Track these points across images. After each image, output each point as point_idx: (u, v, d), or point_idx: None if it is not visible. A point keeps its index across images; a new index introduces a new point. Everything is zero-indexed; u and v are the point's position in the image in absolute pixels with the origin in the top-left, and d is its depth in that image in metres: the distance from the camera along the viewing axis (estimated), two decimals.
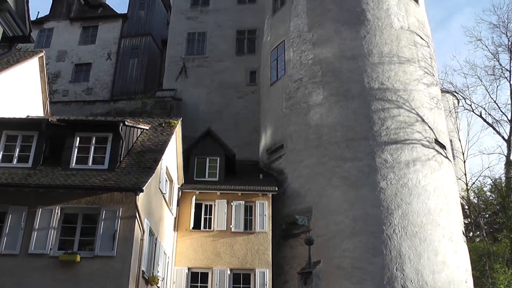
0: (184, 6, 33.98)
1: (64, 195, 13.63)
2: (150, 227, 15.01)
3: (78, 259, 12.82)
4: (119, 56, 35.24)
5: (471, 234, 26.93)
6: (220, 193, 19.90)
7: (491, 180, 27.35)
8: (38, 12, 39.36)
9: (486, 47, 24.98)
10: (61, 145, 15.41)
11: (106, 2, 42.92)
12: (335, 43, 23.18)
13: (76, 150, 15.31)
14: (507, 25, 24.47)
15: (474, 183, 27.83)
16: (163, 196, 17.02)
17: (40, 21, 37.25)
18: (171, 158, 18.54)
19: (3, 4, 7.96)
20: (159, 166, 15.59)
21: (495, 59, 24.67)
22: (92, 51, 35.60)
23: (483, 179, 28.37)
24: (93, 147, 15.45)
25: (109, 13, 38.55)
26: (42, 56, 19.52)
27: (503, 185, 25.13)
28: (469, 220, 26.93)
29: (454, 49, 73.79)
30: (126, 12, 37.66)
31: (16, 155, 15.12)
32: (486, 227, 27.51)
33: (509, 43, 24.08)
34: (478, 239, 26.95)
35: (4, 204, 13.47)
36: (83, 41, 36.31)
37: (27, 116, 18.00)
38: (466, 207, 26.69)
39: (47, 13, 38.65)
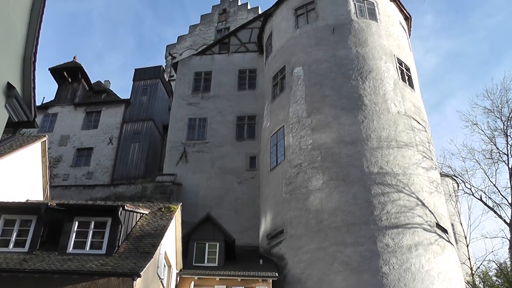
0: (186, 92, 34.74)
1: (59, 280, 13.33)
2: None
3: None
4: (121, 141, 35.60)
5: None
6: (219, 279, 19.45)
7: (496, 264, 26.88)
8: (44, 97, 40.33)
9: (483, 131, 25.13)
10: (59, 230, 15.31)
11: (110, 88, 44.01)
12: (334, 128, 23.54)
13: (74, 234, 15.20)
14: (501, 109, 24.83)
15: (478, 267, 27.30)
16: (161, 281, 16.65)
17: (45, 106, 38.01)
18: (170, 243, 18.31)
19: (11, 90, 8.18)
20: (157, 251, 15.39)
21: (492, 143, 24.83)
22: (94, 135, 36.03)
23: (488, 263, 27.81)
24: (91, 231, 15.34)
25: (112, 99, 39.31)
26: (45, 141, 19.75)
27: (508, 269, 24.65)
28: None
29: (451, 132, 75.03)
30: (129, 97, 38.48)
31: (13, 239, 14.97)
32: None
33: (505, 127, 24.36)
34: None
35: None
36: (86, 126, 36.84)
37: (27, 200, 17.97)
38: None
39: (53, 98, 39.51)
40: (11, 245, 14.90)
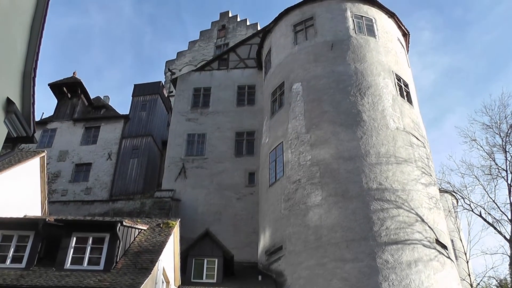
0: (185, 108, 34.76)
1: None
2: None
3: None
4: (120, 156, 35.60)
5: None
6: None
7: (496, 281, 26.71)
8: (43, 112, 40.41)
9: (481, 147, 25.07)
10: (57, 245, 15.23)
11: (109, 103, 44.09)
12: (333, 144, 23.53)
13: (72, 250, 15.12)
14: (499, 125, 24.84)
15: (479, 284, 27.14)
16: None
17: (44, 122, 38.06)
18: (169, 259, 18.21)
19: (10, 106, 8.18)
20: (155, 267, 15.30)
21: (491, 159, 24.81)
22: (93, 151, 36.03)
23: (488, 279, 27.61)
24: (89, 247, 15.27)
25: (112, 114, 39.38)
26: (44, 156, 19.71)
27: (509, 286, 24.50)
28: None
29: (449, 148, 75.16)
30: (128, 113, 38.54)
31: (10, 255, 14.88)
32: None
33: (503, 143, 24.36)
34: None
35: None
36: (85, 141, 36.88)
37: (25, 215, 17.89)
38: None
39: (52, 113, 39.56)
40: (8, 261, 14.81)
